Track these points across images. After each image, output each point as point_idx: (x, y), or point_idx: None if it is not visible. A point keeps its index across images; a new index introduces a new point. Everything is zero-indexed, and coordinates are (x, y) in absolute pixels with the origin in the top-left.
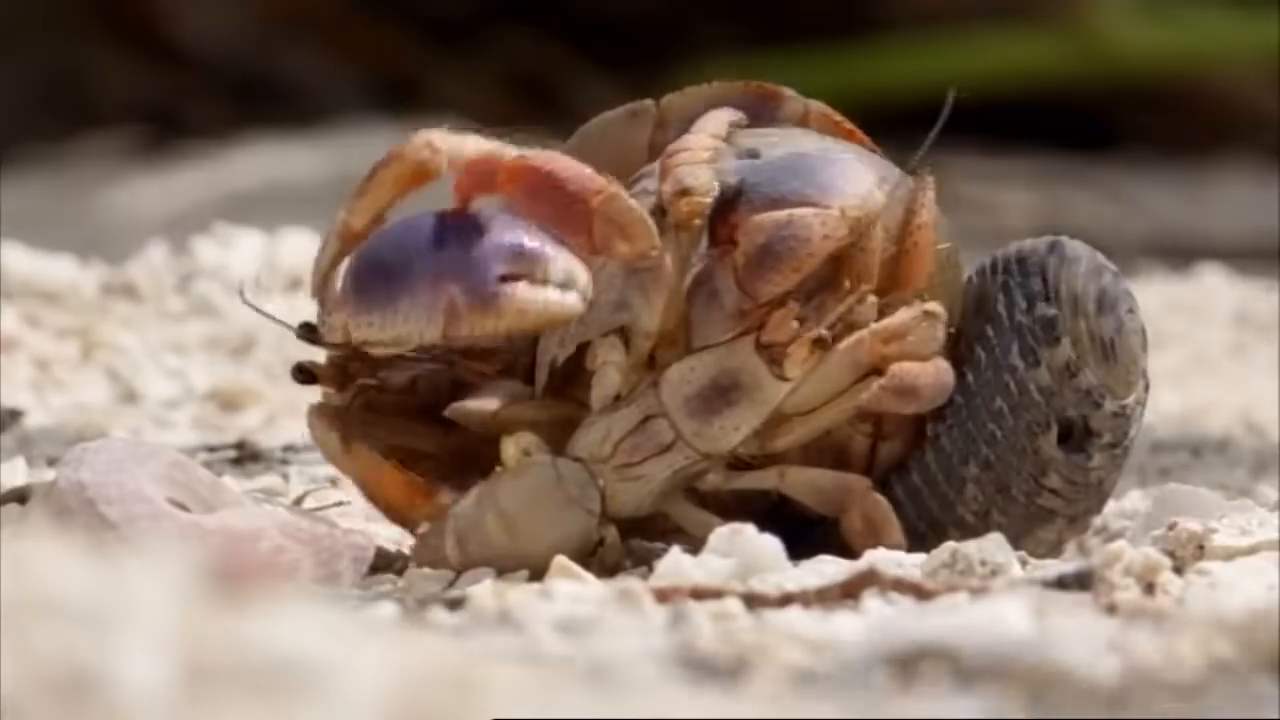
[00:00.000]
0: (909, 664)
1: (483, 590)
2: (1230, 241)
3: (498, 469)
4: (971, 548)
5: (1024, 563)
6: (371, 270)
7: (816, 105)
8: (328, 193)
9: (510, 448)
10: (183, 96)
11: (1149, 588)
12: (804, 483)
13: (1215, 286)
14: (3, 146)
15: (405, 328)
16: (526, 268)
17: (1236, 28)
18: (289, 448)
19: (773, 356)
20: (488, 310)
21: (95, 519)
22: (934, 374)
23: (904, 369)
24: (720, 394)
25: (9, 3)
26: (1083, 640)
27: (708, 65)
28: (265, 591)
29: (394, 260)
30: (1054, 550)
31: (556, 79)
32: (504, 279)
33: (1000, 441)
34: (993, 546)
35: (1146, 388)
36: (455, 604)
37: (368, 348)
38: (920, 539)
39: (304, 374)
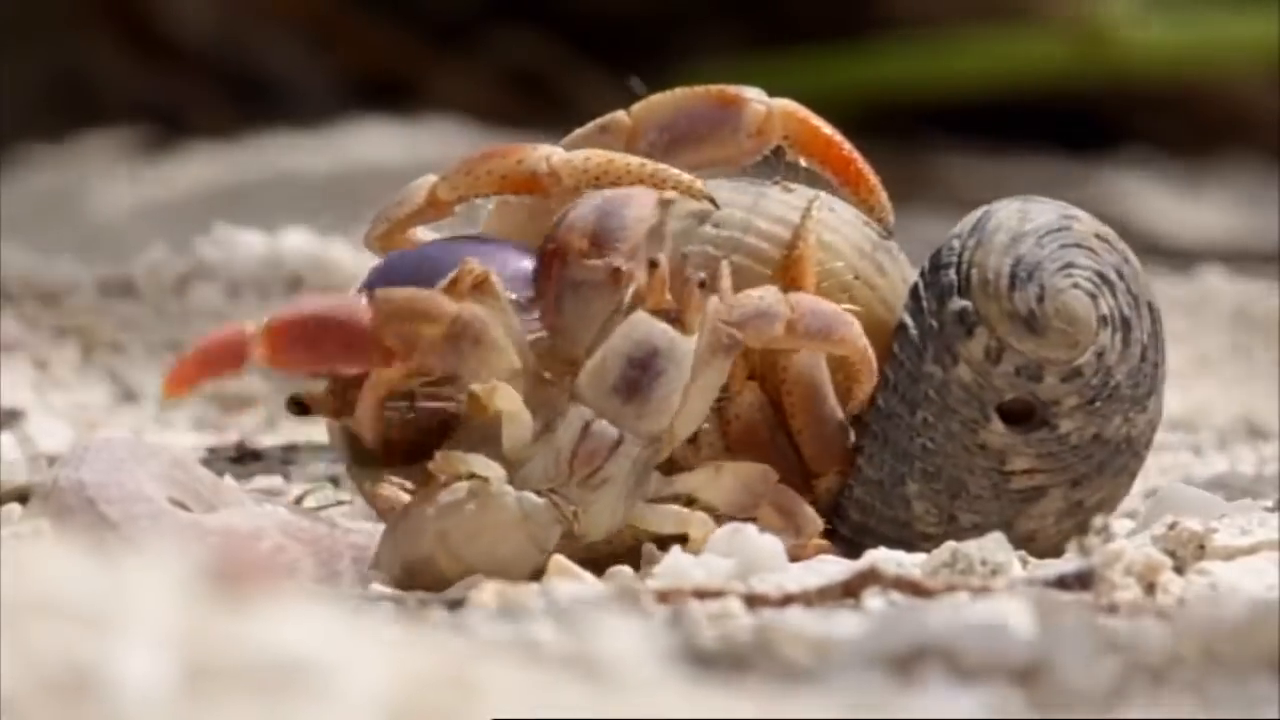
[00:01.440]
0: (909, 663)
1: (483, 590)
2: (1231, 241)
3: (444, 482)
4: (972, 547)
5: (1024, 562)
6: None
7: (781, 105)
8: (326, 192)
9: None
10: (182, 95)
11: (1150, 588)
12: (714, 488)
13: (1216, 286)
14: (3, 144)
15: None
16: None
17: (1238, 28)
18: (289, 447)
19: (669, 316)
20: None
21: (96, 518)
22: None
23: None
24: (642, 368)
25: (9, 1)
26: (1082, 640)
27: (706, 65)
28: (265, 591)
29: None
30: (1081, 514)
31: (555, 78)
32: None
33: (935, 450)
34: (993, 546)
35: (1126, 321)
36: (455, 604)
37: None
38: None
39: (299, 406)
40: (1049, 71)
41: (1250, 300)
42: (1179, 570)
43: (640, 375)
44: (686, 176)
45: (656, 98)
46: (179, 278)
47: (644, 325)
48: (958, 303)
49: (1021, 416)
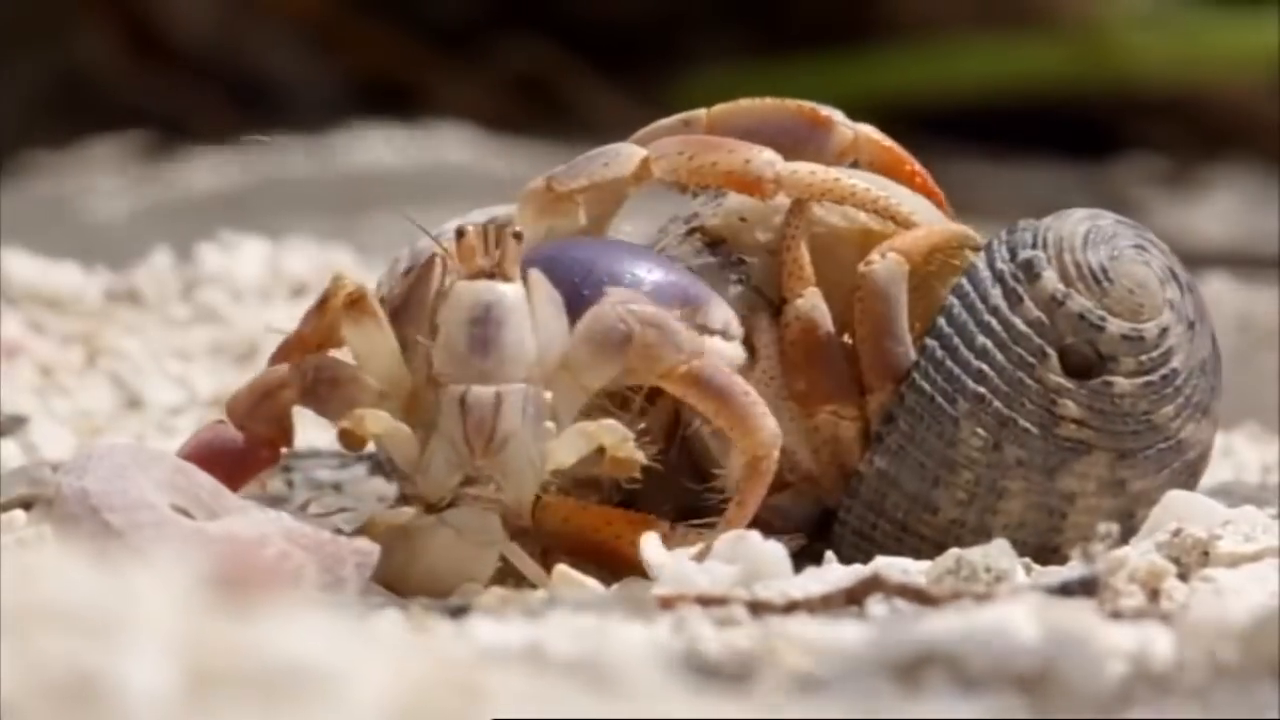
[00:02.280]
0: (913, 670)
1: (486, 598)
2: (1233, 247)
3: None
4: (976, 554)
5: (1029, 569)
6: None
7: (865, 131)
8: (329, 198)
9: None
10: (185, 101)
11: (1154, 594)
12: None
13: (1218, 293)
14: (7, 150)
15: None
16: (689, 315)
17: (1240, 35)
18: (292, 454)
19: (488, 273)
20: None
21: (99, 526)
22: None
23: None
24: (483, 324)
25: (13, 5)
26: (1086, 646)
27: (709, 71)
28: (269, 597)
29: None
30: (1123, 498)
31: (558, 84)
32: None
33: (991, 376)
34: (997, 553)
35: (1192, 324)
36: (458, 611)
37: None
38: (934, 483)
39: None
40: (1051, 77)
41: (1253, 306)
42: (1183, 577)
43: (484, 330)
44: (906, 209)
45: (739, 103)
46: (183, 284)
47: (467, 290)
48: (1030, 252)
49: (1081, 372)
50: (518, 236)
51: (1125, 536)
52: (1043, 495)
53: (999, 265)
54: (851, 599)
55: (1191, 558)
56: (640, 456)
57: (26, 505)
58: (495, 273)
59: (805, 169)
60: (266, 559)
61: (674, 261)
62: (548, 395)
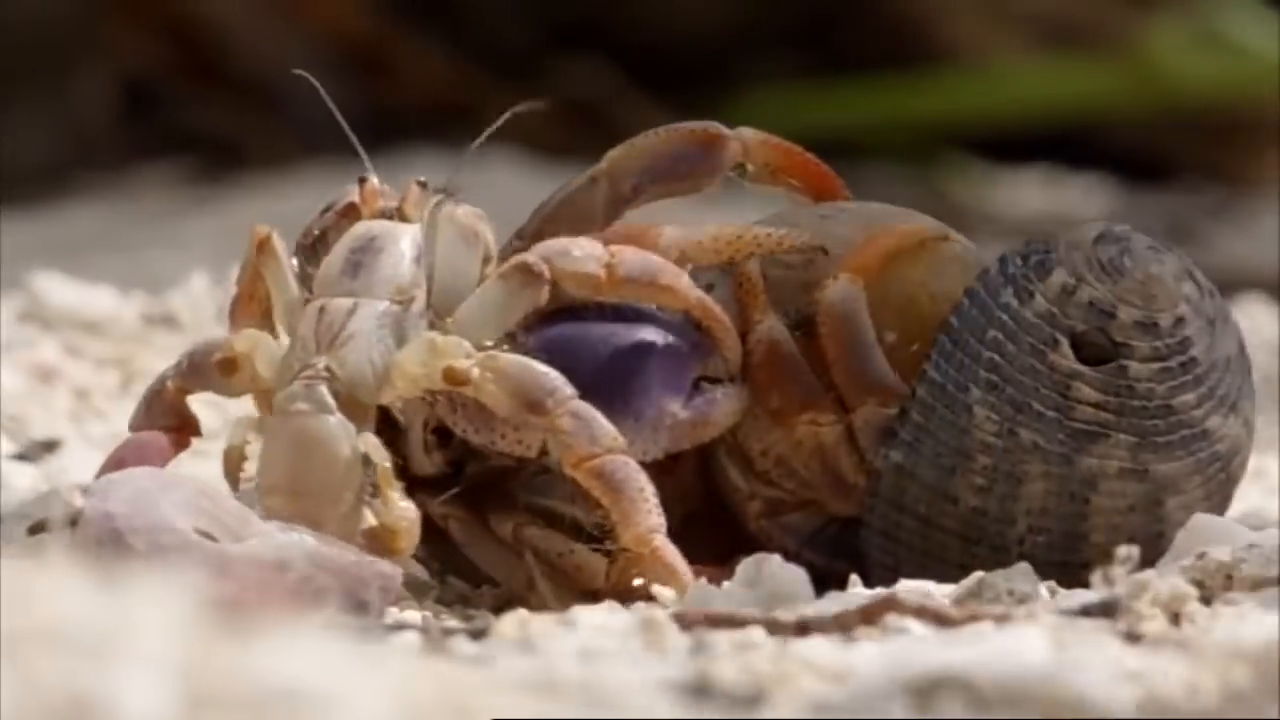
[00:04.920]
0: (926, 693)
1: (506, 620)
2: (1273, 271)
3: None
4: (998, 577)
5: (1053, 592)
6: (584, 393)
7: (751, 137)
8: None
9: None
10: (238, 126)
11: (1175, 618)
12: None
13: (1259, 316)
14: (67, 174)
15: (630, 450)
16: (704, 366)
17: None
18: None
19: (388, 214)
20: (703, 425)
21: (122, 549)
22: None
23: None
24: (363, 251)
25: (74, 31)
26: (1100, 669)
27: (764, 94)
28: (268, 619)
29: (605, 385)
30: (1148, 483)
31: (613, 108)
32: (696, 382)
33: (1002, 365)
34: (1019, 575)
35: (1211, 322)
36: (478, 634)
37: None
38: (952, 472)
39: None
40: (1102, 100)
41: None
42: (1206, 601)
43: (361, 256)
44: (803, 237)
45: (637, 142)
46: (219, 308)
47: (360, 226)
48: (1041, 255)
49: (1094, 359)
50: (422, 184)
51: (1155, 541)
52: (1063, 480)
53: (1010, 269)
54: (867, 620)
55: (1215, 581)
56: (475, 373)
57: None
58: (394, 214)
59: (708, 235)
60: (287, 581)
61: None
62: (422, 323)
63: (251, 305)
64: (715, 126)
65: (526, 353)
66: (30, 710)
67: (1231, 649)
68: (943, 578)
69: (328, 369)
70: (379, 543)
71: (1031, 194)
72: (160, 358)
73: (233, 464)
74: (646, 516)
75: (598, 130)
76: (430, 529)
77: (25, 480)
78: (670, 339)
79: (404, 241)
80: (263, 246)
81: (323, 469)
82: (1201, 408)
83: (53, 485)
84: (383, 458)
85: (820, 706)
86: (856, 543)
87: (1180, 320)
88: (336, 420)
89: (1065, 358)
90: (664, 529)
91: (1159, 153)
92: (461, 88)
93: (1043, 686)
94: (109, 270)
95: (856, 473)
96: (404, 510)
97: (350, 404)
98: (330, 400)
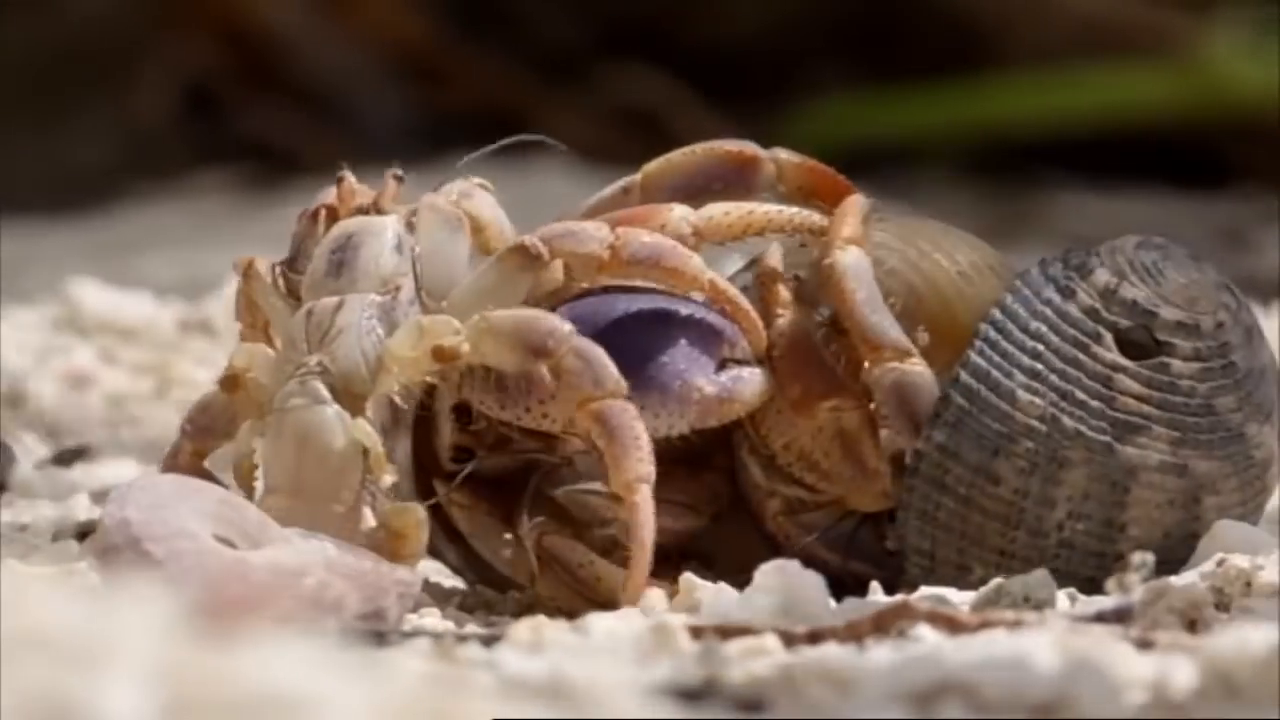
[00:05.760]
0: (929, 699)
1: (520, 626)
2: None
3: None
4: (1016, 584)
5: (1073, 599)
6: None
7: (786, 159)
8: None
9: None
10: (297, 132)
11: (1191, 624)
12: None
13: None
14: (126, 179)
15: (654, 423)
16: (731, 349)
17: None
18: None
19: (365, 209)
20: (730, 402)
21: (140, 556)
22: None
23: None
24: (342, 249)
25: (134, 37)
26: (1103, 675)
27: (822, 101)
28: (251, 626)
29: (632, 358)
30: (1186, 479)
31: (668, 114)
32: (723, 363)
33: (1044, 354)
34: (1037, 583)
35: (1249, 331)
36: (490, 640)
37: None
38: (995, 453)
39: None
40: (1160, 107)
41: None
42: (1224, 607)
43: (342, 254)
44: (818, 217)
45: (676, 156)
46: None
47: (337, 227)
48: (1083, 257)
49: (1137, 355)
50: (398, 178)
51: (1188, 542)
52: (1104, 468)
53: (1051, 270)
54: (879, 627)
55: (1235, 588)
56: (465, 348)
57: (82, 535)
58: (370, 209)
59: (719, 211)
60: (294, 588)
61: (689, 301)
62: (413, 309)
63: (254, 334)
64: (752, 147)
65: None
66: (14, 716)
67: (1235, 654)
68: (980, 563)
69: (320, 364)
70: (385, 547)
71: (1088, 200)
72: (195, 364)
73: (244, 475)
74: (637, 465)
75: (652, 137)
76: (457, 536)
77: (54, 486)
78: (697, 317)
79: (383, 233)
80: (247, 273)
81: (319, 461)
82: (1241, 411)
83: (85, 491)
84: (374, 442)
85: (822, 711)
86: (874, 542)
87: (1221, 325)
88: (333, 411)
89: (1109, 350)
90: (651, 479)
91: (1214, 159)
92: (517, 94)
93: (1045, 692)
94: (157, 275)
95: (879, 458)
96: (410, 510)
97: (346, 396)
98: (325, 393)
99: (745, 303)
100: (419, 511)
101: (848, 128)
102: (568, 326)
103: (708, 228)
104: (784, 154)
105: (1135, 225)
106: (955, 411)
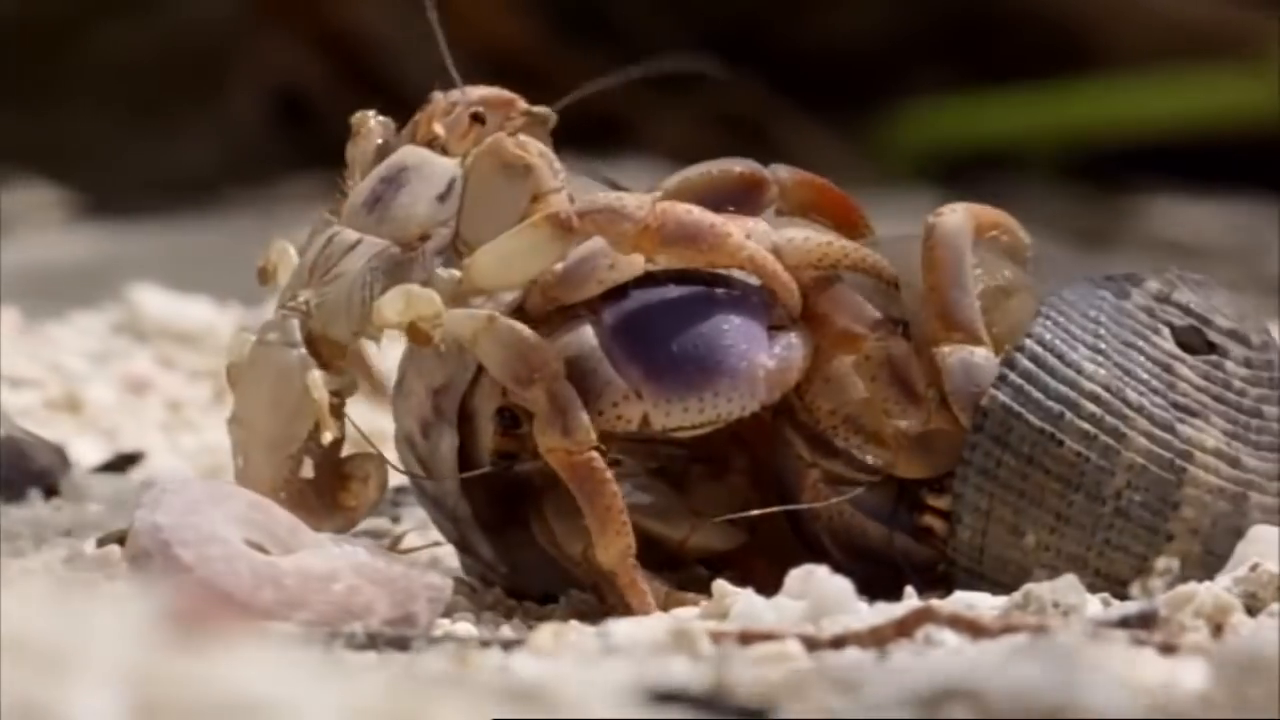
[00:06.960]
0: (935, 704)
1: (543, 631)
2: None
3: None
4: (1045, 589)
5: (1106, 604)
6: (674, 358)
7: (787, 177)
8: None
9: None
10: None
11: (1218, 629)
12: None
13: None
14: (221, 185)
15: (728, 407)
16: (773, 317)
17: None
18: (400, 489)
19: (436, 144)
20: (788, 371)
21: (170, 561)
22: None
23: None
24: (388, 183)
25: (230, 42)
26: (1112, 681)
27: (919, 105)
28: (225, 631)
29: (691, 343)
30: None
31: (766, 120)
32: (771, 329)
33: (1105, 336)
34: (1065, 588)
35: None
36: (511, 645)
37: (671, 434)
38: (1060, 416)
39: (510, 417)
40: (1252, 112)
41: None
42: (1252, 612)
43: (385, 188)
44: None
45: (689, 176)
46: None
47: (402, 151)
48: (1129, 273)
49: (1186, 343)
50: (478, 118)
51: (1231, 539)
52: (1165, 444)
53: (1098, 280)
54: (901, 631)
55: (1268, 593)
56: (438, 335)
57: (123, 540)
58: (440, 144)
59: (799, 235)
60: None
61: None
62: (437, 261)
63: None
64: (757, 169)
65: (604, 331)
66: None
67: (1248, 659)
68: (1034, 527)
69: (306, 304)
70: (326, 496)
71: (1181, 206)
72: None
73: (231, 380)
74: (616, 539)
75: (750, 144)
76: (494, 528)
77: (107, 491)
78: (739, 293)
79: (432, 177)
80: (353, 126)
81: (274, 403)
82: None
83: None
84: (321, 395)
85: (828, 715)
86: (916, 514)
87: (1266, 344)
88: (297, 355)
89: (1164, 342)
90: (633, 550)
91: None
92: (616, 98)
93: (1051, 698)
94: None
95: (926, 385)
96: (369, 458)
97: (324, 343)
98: (298, 335)
99: (780, 268)
100: (378, 461)
101: (947, 131)
102: (556, 366)
103: (788, 249)
104: (783, 171)
105: (1227, 232)
106: (1022, 374)
